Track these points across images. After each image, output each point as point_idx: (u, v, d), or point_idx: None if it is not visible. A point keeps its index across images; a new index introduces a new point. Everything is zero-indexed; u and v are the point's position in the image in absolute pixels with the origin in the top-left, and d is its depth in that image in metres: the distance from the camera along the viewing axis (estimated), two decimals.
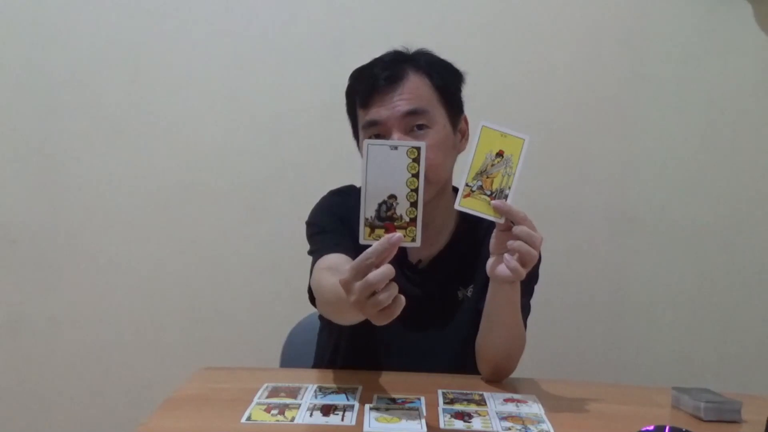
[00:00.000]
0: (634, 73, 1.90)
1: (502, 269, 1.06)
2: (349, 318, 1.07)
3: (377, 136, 1.20)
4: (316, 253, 1.25)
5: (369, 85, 1.22)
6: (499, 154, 1.03)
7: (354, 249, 1.07)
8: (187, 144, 1.92)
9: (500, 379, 1.20)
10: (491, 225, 1.24)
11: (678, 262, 1.93)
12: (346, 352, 1.28)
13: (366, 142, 0.95)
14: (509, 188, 1.03)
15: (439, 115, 1.22)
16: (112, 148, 1.93)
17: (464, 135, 1.30)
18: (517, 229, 1.02)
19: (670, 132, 1.91)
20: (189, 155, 1.92)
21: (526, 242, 1.02)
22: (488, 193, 1.03)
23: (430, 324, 1.25)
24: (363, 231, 0.93)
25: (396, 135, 1.18)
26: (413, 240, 0.93)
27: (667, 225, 1.92)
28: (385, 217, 0.93)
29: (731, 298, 1.93)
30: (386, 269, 0.87)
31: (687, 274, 1.93)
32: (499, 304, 1.13)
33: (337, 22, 1.89)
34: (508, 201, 1.03)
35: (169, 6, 1.90)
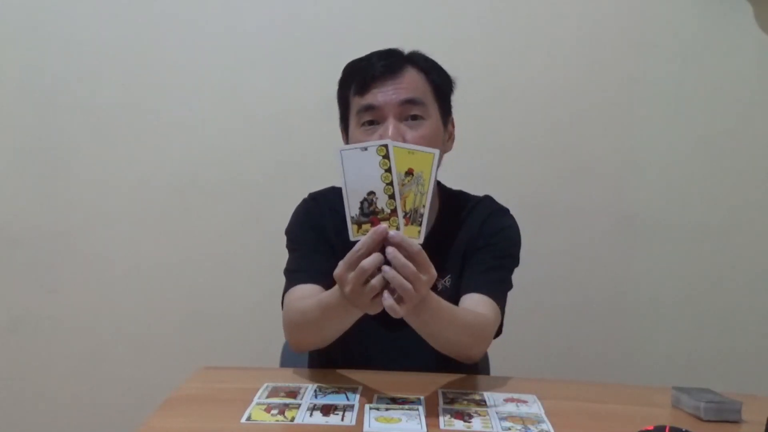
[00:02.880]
0: (634, 73, 1.90)
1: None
2: (332, 326, 1.12)
3: (370, 123, 1.22)
4: (288, 276, 1.28)
5: (368, 72, 1.23)
6: (409, 172, 0.98)
7: (327, 257, 1.15)
8: (187, 144, 1.92)
9: (470, 361, 1.20)
10: (467, 217, 1.26)
11: (678, 261, 1.93)
12: (330, 356, 1.28)
13: (339, 149, 0.99)
14: (423, 206, 0.98)
15: (433, 110, 1.25)
16: (112, 149, 1.93)
17: (451, 137, 1.33)
18: (390, 253, 0.93)
19: (670, 132, 1.91)
20: (189, 155, 1.92)
21: (399, 272, 0.93)
22: (403, 214, 0.97)
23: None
24: (351, 229, 0.99)
25: (391, 122, 1.20)
26: (397, 228, 0.97)
27: (667, 225, 1.92)
28: (369, 213, 0.98)
29: (731, 298, 1.93)
30: (377, 256, 0.94)
31: (687, 274, 1.93)
32: (412, 323, 1.08)
33: (337, 22, 1.89)
34: (424, 219, 0.98)
35: (169, 6, 1.90)
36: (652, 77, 1.90)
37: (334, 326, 1.13)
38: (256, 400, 1.03)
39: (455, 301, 1.22)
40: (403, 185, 0.98)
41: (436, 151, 0.99)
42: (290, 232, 1.34)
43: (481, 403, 1.05)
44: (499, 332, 1.28)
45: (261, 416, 0.96)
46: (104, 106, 1.92)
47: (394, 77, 1.22)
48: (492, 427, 0.95)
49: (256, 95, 1.91)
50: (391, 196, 0.97)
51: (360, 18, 1.88)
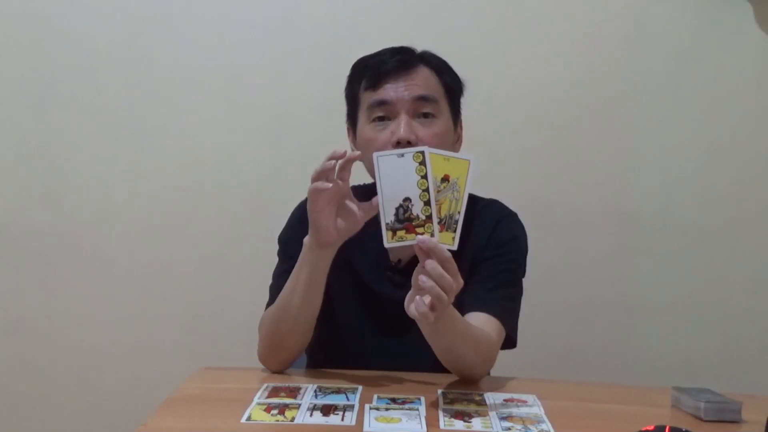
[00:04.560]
0: (634, 73, 1.90)
1: (412, 309, 0.99)
2: (301, 302, 1.15)
3: (381, 119, 1.21)
4: (270, 292, 1.28)
5: (380, 67, 1.22)
6: (445, 178, 0.99)
7: None
8: (187, 144, 1.92)
9: (472, 381, 1.18)
10: (475, 220, 1.26)
11: (678, 261, 1.93)
12: (329, 359, 1.28)
13: (374, 154, 1.01)
14: (459, 212, 0.99)
15: (444, 109, 1.25)
16: (112, 149, 1.93)
17: (459, 138, 1.32)
18: (429, 265, 0.96)
19: (670, 132, 1.91)
20: (189, 155, 1.92)
21: (436, 282, 0.96)
22: (438, 220, 0.99)
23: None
24: (385, 235, 1.00)
25: (403, 118, 1.19)
26: (432, 234, 0.98)
27: (667, 225, 1.92)
28: (404, 219, 0.99)
29: (731, 297, 1.93)
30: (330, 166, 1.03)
31: (687, 274, 1.93)
32: (426, 332, 1.09)
33: (338, 22, 1.89)
34: (458, 225, 0.99)
35: (169, 7, 1.90)
36: (652, 77, 1.90)
37: (302, 297, 1.14)
38: (256, 400, 1.02)
39: (460, 311, 1.22)
40: (438, 191, 0.99)
41: (472, 158, 1.00)
42: (281, 240, 1.32)
43: (481, 403, 1.05)
44: (513, 344, 1.27)
45: (261, 416, 0.96)
46: (104, 106, 1.92)
47: (407, 73, 1.21)
48: (492, 427, 0.95)
49: (255, 97, 1.91)
50: (427, 203, 0.98)
51: (359, 21, 1.88)
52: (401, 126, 1.18)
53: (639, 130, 1.91)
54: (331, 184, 1.04)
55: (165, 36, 1.91)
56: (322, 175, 1.04)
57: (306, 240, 1.12)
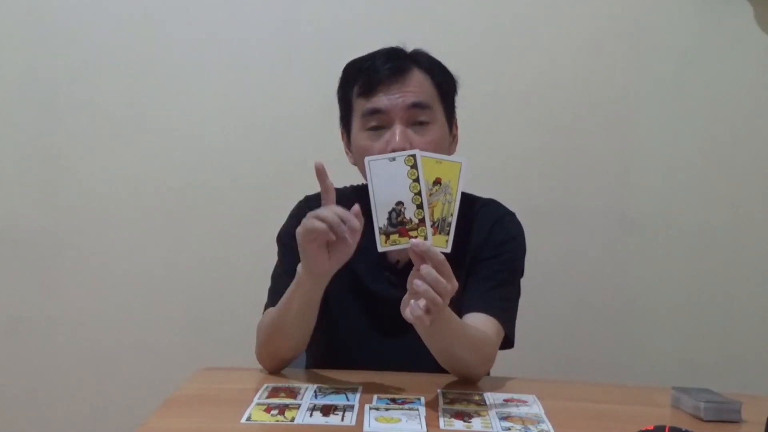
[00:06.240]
0: (634, 74, 1.90)
1: (407, 313, 0.98)
2: (296, 319, 1.14)
3: (375, 128, 1.21)
4: (269, 294, 1.28)
5: (373, 74, 1.21)
6: (437, 181, 0.99)
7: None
8: (187, 145, 1.92)
9: (472, 381, 1.18)
10: (473, 220, 1.26)
11: (678, 262, 1.93)
12: (328, 360, 1.28)
13: (366, 159, 1.00)
14: (451, 215, 0.99)
15: (438, 113, 1.24)
16: (112, 149, 1.93)
17: (455, 139, 1.31)
18: (423, 269, 0.96)
19: (670, 133, 1.91)
20: (189, 156, 1.92)
21: (431, 286, 0.96)
22: (431, 223, 0.99)
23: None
24: (379, 239, 0.99)
25: (398, 127, 1.18)
26: (425, 238, 0.98)
27: (667, 225, 1.92)
28: (397, 223, 0.99)
29: (731, 298, 1.93)
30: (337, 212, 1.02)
31: (687, 275, 1.93)
32: (423, 335, 1.08)
33: (337, 24, 1.89)
34: (452, 228, 0.99)
35: (169, 8, 1.90)
36: (652, 78, 1.89)
37: (297, 317, 1.14)
38: (256, 400, 1.03)
39: (458, 311, 1.22)
40: (431, 194, 0.99)
41: (464, 160, 0.99)
42: (279, 239, 1.31)
43: (481, 403, 1.05)
44: (511, 345, 1.27)
45: (261, 416, 0.96)
46: (105, 107, 1.92)
47: (400, 80, 1.20)
48: (492, 427, 0.95)
49: (256, 97, 1.91)
50: (419, 206, 0.98)
51: (359, 21, 1.88)
52: (396, 135, 1.17)
53: (639, 131, 1.91)
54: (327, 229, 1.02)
55: (165, 37, 1.90)
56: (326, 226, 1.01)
57: (299, 269, 1.10)
